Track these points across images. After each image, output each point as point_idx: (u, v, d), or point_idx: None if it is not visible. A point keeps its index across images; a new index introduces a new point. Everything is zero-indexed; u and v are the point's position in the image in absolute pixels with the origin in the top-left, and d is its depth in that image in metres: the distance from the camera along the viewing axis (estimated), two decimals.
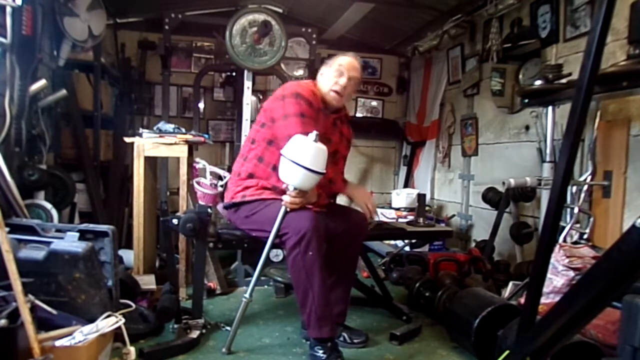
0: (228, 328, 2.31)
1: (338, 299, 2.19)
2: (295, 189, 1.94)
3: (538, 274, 1.37)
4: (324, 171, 1.92)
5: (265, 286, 3.06)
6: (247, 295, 2.04)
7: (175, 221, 2.18)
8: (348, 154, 2.43)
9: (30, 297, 1.54)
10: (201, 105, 4.80)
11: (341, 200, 2.73)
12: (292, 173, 1.90)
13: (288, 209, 1.95)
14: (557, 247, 2.17)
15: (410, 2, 3.96)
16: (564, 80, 2.45)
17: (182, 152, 2.70)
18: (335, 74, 2.19)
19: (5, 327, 1.46)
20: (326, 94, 2.20)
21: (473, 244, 3.76)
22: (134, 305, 2.02)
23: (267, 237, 1.99)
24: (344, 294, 2.22)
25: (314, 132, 1.89)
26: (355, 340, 2.19)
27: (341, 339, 2.17)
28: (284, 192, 2.00)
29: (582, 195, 2.64)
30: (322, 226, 1.95)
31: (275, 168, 2.07)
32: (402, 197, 4.49)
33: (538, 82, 2.51)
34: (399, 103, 5.52)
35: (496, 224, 3.22)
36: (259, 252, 2.01)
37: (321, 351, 1.93)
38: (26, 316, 1.48)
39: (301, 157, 1.86)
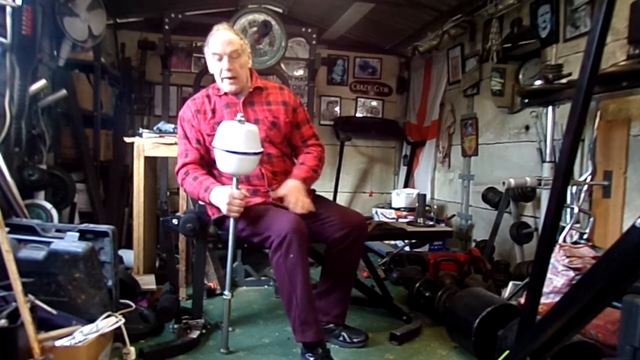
0: (229, 328, 2.31)
1: (337, 300, 2.18)
2: (237, 176, 1.94)
3: (538, 274, 1.37)
4: (259, 150, 1.92)
5: (265, 286, 3.06)
6: (226, 292, 2.04)
7: (175, 221, 2.18)
8: (307, 117, 2.32)
9: (30, 297, 1.54)
10: None
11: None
12: (227, 161, 1.90)
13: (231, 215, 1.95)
14: (557, 247, 2.17)
15: (410, 2, 3.96)
16: (564, 80, 2.45)
17: None
18: (214, 60, 2.09)
19: (5, 327, 1.46)
20: (221, 84, 2.14)
21: (473, 244, 3.76)
22: (134, 305, 2.03)
23: (257, 237, 1.98)
24: (343, 296, 2.20)
25: (239, 114, 1.90)
26: (355, 340, 2.17)
27: (340, 338, 2.16)
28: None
29: (582, 195, 2.63)
30: (303, 227, 1.91)
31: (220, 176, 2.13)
32: (402, 197, 4.50)
33: (538, 82, 2.50)
34: (399, 103, 5.52)
35: (496, 224, 3.22)
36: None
37: (312, 358, 1.91)
38: (26, 316, 1.48)
39: (230, 144, 1.86)
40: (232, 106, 2.15)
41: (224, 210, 1.94)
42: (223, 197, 1.93)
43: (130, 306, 1.99)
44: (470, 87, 4.04)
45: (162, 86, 3.92)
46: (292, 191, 2.06)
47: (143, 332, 2.15)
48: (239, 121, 1.89)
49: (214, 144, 1.94)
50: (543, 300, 2.00)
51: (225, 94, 2.17)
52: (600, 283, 1.11)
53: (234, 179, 1.96)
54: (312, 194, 2.22)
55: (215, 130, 1.99)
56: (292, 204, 2.03)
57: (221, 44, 2.05)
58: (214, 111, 2.16)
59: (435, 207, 4.63)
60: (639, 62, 2.02)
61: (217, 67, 2.10)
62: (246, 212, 1.98)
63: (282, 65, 4.22)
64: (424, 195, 3.16)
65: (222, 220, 2.11)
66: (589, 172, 2.63)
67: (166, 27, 3.51)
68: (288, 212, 1.98)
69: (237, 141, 1.86)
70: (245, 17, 3.36)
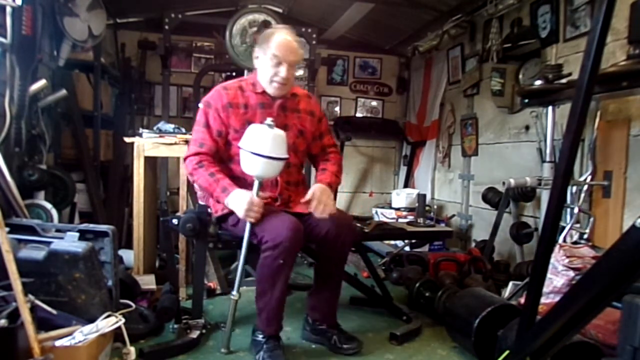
0: None
1: (325, 299, 2.18)
2: (260, 179, 1.93)
3: (538, 274, 1.37)
4: (286, 156, 1.92)
5: None
6: (234, 292, 2.04)
7: (175, 221, 2.18)
8: (329, 127, 2.34)
9: (30, 297, 1.54)
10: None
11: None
12: (253, 164, 1.89)
13: (252, 220, 1.93)
14: (557, 247, 2.17)
15: (410, 2, 3.96)
16: (564, 80, 2.45)
17: (182, 152, 2.69)
18: (272, 62, 2.02)
19: (5, 327, 1.46)
20: (267, 85, 2.07)
21: (473, 244, 3.76)
22: (134, 305, 2.03)
23: (254, 236, 1.99)
24: (330, 296, 2.19)
25: (269, 119, 1.89)
26: (345, 346, 2.11)
27: (332, 341, 2.13)
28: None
29: (582, 195, 2.64)
30: (300, 236, 1.93)
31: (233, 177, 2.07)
32: (402, 197, 4.50)
33: (538, 82, 2.51)
34: (399, 103, 5.52)
35: (496, 224, 3.22)
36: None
37: (261, 335, 2.01)
38: (26, 316, 1.48)
39: (258, 147, 1.85)
40: (266, 107, 2.10)
41: (241, 215, 1.92)
42: (242, 203, 1.90)
43: (130, 306, 1.99)
44: (470, 87, 4.04)
45: (162, 86, 3.91)
46: (320, 195, 2.03)
47: (143, 332, 2.15)
48: (269, 125, 1.87)
49: (240, 144, 1.92)
50: (543, 300, 2.00)
51: (262, 92, 2.10)
52: (600, 283, 1.11)
53: (256, 183, 1.94)
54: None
55: (246, 127, 1.98)
56: (319, 209, 2.00)
57: (286, 50, 2.02)
58: (246, 106, 2.09)
59: (435, 207, 4.63)
60: (639, 62, 2.02)
61: (271, 69, 2.03)
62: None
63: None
64: (424, 195, 3.16)
65: (224, 218, 2.11)
66: (589, 172, 2.63)
67: (166, 27, 3.51)
68: (288, 217, 1.96)
69: (265, 145, 1.85)
70: (245, 17, 3.36)
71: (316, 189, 2.05)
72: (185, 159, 2.09)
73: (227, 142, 2.09)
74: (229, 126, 2.07)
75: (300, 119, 2.18)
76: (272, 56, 2.01)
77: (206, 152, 2.04)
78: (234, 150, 2.05)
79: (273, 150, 1.87)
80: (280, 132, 1.92)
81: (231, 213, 2.03)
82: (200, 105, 2.13)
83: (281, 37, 2.04)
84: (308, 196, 2.03)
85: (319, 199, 2.01)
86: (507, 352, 1.44)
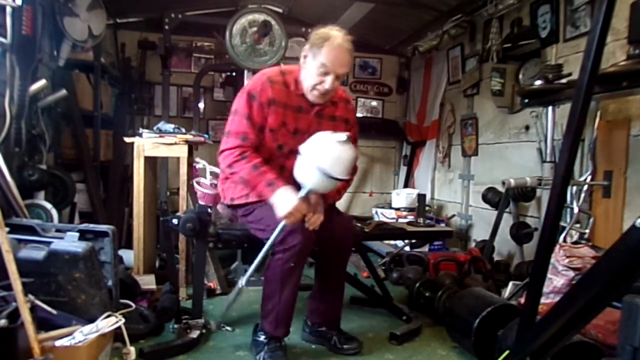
0: (228, 328, 2.32)
1: (327, 305, 2.17)
2: (309, 191, 1.83)
3: (538, 274, 1.37)
4: (347, 177, 1.82)
5: None
6: (242, 282, 2.01)
7: (175, 221, 2.18)
8: (356, 137, 2.16)
9: (30, 297, 1.54)
10: (201, 105, 4.80)
11: None
12: (308, 174, 1.78)
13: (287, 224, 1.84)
14: (557, 247, 2.17)
15: (410, 2, 3.96)
16: (564, 80, 2.45)
17: (182, 152, 2.70)
18: (319, 71, 1.91)
19: (5, 327, 1.46)
20: (307, 90, 1.97)
21: (473, 244, 3.76)
22: (134, 305, 2.03)
23: (263, 236, 1.96)
24: (333, 302, 2.17)
25: (345, 133, 1.78)
26: (345, 347, 2.11)
27: (332, 342, 2.13)
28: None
29: (582, 195, 2.64)
30: (312, 242, 1.91)
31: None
32: (402, 197, 4.50)
33: (538, 82, 2.51)
34: (399, 103, 5.52)
35: (496, 224, 3.22)
36: (258, 251, 2.01)
37: (263, 336, 1.99)
38: (26, 316, 1.48)
39: (321, 159, 1.74)
40: (304, 112, 2.01)
41: (281, 214, 1.83)
42: (288, 205, 1.81)
43: (130, 306, 1.99)
44: (470, 87, 4.04)
45: (162, 86, 3.92)
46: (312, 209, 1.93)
47: (143, 332, 2.14)
48: (341, 141, 1.75)
49: (301, 149, 1.82)
50: (543, 300, 2.00)
51: (302, 94, 2.00)
52: (600, 283, 1.11)
53: (304, 191, 1.84)
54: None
55: (281, 129, 1.92)
56: (310, 221, 1.90)
57: (337, 61, 1.90)
58: (285, 107, 1.98)
59: (435, 207, 4.63)
60: (639, 62, 2.02)
61: (316, 77, 1.92)
62: (262, 208, 1.95)
63: (282, 65, 4.22)
64: (424, 195, 3.16)
65: (241, 206, 2.04)
66: (589, 172, 2.63)
67: (166, 27, 3.52)
68: (302, 221, 1.90)
69: (329, 159, 1.75)
70: (245, 17, 3.36)
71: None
72: (222, 151, 1.96)
73: (262, 139, 1.98)
74: (265, 123, 1.95)
75: (335, 127, 2.03)
76: (321, 64, 1.89)
77: (250, 145, 1.93)
78: (267, 146, 1.96)
79: (335, 168, 1.75)
80: (350, 152, 1.79)
81: (254, 204, 1.96)
82: (241, 94, 1.98)
83: (335, 44, 1.89)
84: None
85: (314, 215, 1.91)
86: (507, 352, 1.44)
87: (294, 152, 1.91)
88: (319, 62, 1.90)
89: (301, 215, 1.85)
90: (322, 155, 1.76)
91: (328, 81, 1.92)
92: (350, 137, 1.80)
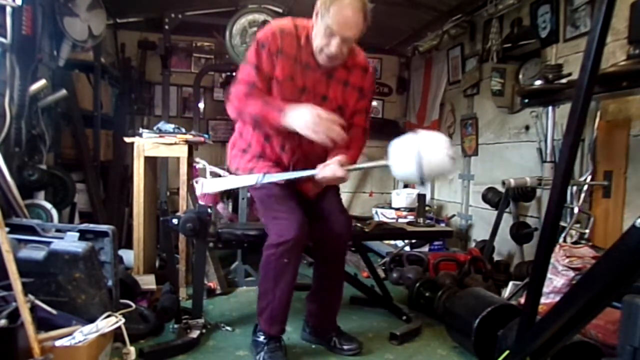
0: (228, 328, 2.32)
1: (325, 306, 2.15)
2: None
3: (538, 274, 1.37)
4: (422, 181, 1.75)
5: None
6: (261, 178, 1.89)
7: (175, 221, 2.18)
8: (367, 107, 2.08)
9: (30, 297, 1.54)
10: (201, 105, 4.81)
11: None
12: (404, 164, 1.72)
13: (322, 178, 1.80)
14: (557, 247, 2.17)
15: (410, 2, 3.96)
16: (564, 80, 2.45)
17: (182, 152, 2.70)
18: (325, 32, 1.79)
19: (5, 327, 1.46)
20: (316, 51, 1.85)
21: (473, 244, 3.76)
22: (134, 305, 2.02)
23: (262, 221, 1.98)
24: (330, 302, 2.16)
25: (456, 151, 1.76)
26: (345, 347, 2.09)
27: (332, 343, 2.13)
28: (278, 161, 1.96)
29: (582, 195, 2.64)
30: (305, 236, 1.90)
31: (267, 138, 1.95)
32: (402, 197, 4.50)
33: (538, 82, 2.51)
34: (399, 103, 5.52)
35: (496, 224, 3.22)
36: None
37: (262, 336, 1.99)
38: (26, 316, 1.47)
39: (426, 158, 1.67)
40: (311, 69, 1.89)
41: (307, 132, 1.73)
42: (306, 116, 1.72)
43: (130, 306, 1.99)
44: (470, 87, 4.04)
45: (162, 86, 3.92)
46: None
47: (143, 332, 2.14)
48: (452, 157, 1.69)
49: (418, 134, 1.74)
50: (543, 300, 2.00)
51: (312, 52, 1.88)
52: (600, 283, 1.11)
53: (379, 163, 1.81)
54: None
55: (287, 81, 1.84)
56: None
57: (343, 24, 1.76)
58: (295, 60, 1.87)
59: (435, 207, 4.63)
60: (639, 62, 2.02)
61: (322, 38, 1.80)
62: (266, 193, 1.95)
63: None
64: (424, 195, 3.16)
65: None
66: (589, 172, 2.63)
67: (166, 27, 3.52)
68: (298, 214, 1.90)
69: (431, 165, 1.68)
70: (245, 17, 3.36)
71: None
72: (228, 98, 1.91)
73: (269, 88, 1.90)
74: (273, 73, 1.87)
75: (345, 93, 1.95)
76: (327, 26, 1.77)
77: (256, 92, 1.86)
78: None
79: (428, 171, 1.68)
80: (449, 168, 1.71)
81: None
82: (253, 43, 1.90)
83: (344, 4, 1.75)
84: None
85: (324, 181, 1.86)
86: (507, 352, 1.44)
87: None
88: (325, 23, 1.78)
89: (329, 127, 1.73)
90: (429, 156, 1.68)
91: (333, 44, 1.79)
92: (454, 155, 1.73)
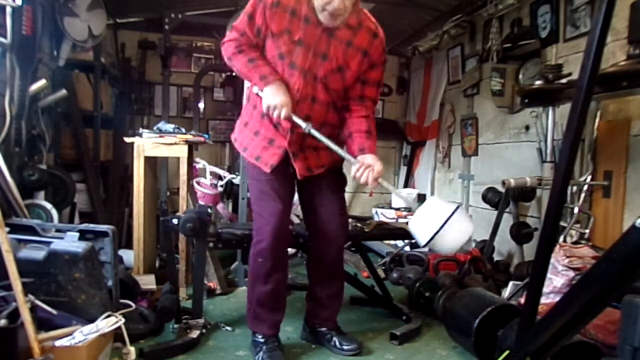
0: (228, 328, 2.32)
1: (322, 303, 2.15)
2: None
3: (538, 274, 1.37)
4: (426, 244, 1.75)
5: None
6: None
7: (175, 221, 2.18)
8: (380, 80, 1.98)
9: (30, 297, 1.54)
10: (201, 105, 4.81)
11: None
12: (422, 223, 1.74)
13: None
14: (557, 247, 2.17)
15: (410, 2, 3.96)
16: (564, 80, 2.45)
17: (182, 152, 2.70)
18: None
19: (5, 327, 1.46)
20: (318, 9, 1.75)
21: (473, 244, 3.75)
22: (134, 305, 2.02)
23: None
24: (328, 299, 2.15)
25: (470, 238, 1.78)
26: (345, 347, 2.08)
27: (332, 343, 2.12)
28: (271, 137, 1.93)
29: (582, 195, 2.64)
30: (285, 235, 1.92)
31: (263, 116, 1.90)
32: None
33: (538, 82, 2.51)
34: (399, 103, 5.52)
35: (496, 224, 3.22)
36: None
37: (260, 336, 2.01)
38: (26, 316, 1.48)
39: (439, 238, 1.69)
40: (311, 24, 1.79)
41: (266, 105, 1.78)
42: (276, 98, 1.76)
43: (130, 306, 1.99)
44: (470, 87, 4.04)
45: (162, 86, 3.92)
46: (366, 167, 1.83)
47: (143, 332, 2.14)
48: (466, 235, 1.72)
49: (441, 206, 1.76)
50: (543, 300, 2.00)
51: (314, 7, 1.79)
52: (600, 283, 1.11)
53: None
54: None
55: (284, 36, 1.79)
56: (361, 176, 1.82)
57: None
58: (294, 13, 1.79)
59: None
60: (639, 62, 2.02)
61: None
62: (257, 187, 1.97)
63: None
64: (424, 195, 3.15)
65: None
66: (589, 172, 2.63)
67: (166, 27, 3.53)
68: (277, 219, 1.89)
69: (446, 240, 1.71)
70: None
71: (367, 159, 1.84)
72: (222, 43, 1.93)
73: (262, 43, 1.86)
74: (268, 27, 1.81)
75: (347, 54, 1.84)
76: None
77: (245, 42, 1.86)
78: (269, 55, 1.86)
79: (440, 244, 1.72)
80: (461, 239, 1.74)
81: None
82: None
83: None
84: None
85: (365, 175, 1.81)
86: (507, 352, 1.45)
87: (296, 67, 1.82)
88: None
89: (284, 114, 1.76)
90: (448, 236, 1.70)
91: (335, 2, 1.69)
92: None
